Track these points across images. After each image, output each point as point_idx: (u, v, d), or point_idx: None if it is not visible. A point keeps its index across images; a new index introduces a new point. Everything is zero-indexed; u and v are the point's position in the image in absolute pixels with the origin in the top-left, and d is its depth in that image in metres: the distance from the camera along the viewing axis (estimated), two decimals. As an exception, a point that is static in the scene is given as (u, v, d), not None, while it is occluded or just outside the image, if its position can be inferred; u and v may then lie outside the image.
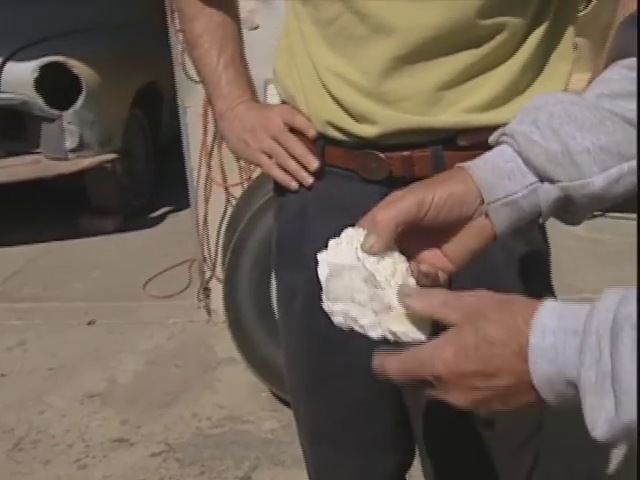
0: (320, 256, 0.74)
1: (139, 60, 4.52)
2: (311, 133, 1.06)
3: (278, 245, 1.15)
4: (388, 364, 0.67)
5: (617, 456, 2.12)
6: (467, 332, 0.63)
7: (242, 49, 1.24)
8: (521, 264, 1.00)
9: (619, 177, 0.77)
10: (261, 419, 2.46)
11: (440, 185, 0.76)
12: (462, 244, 0.78)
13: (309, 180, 1.08)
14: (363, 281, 0.70)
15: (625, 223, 3.20)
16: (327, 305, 0.73)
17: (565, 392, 0.61)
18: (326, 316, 1.08)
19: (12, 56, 4.00)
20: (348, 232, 0.74)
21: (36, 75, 3.90)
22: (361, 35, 0.98)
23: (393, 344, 0.69)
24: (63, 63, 3.93)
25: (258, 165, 1.17)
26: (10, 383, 2.77)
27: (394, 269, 0.71)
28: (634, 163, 0.77)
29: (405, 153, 0.99)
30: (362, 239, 0.71)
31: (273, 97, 2.89)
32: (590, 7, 3.45)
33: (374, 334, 0.70)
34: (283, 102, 1.14)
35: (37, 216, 4.44)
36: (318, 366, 1.12)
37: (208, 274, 3.27)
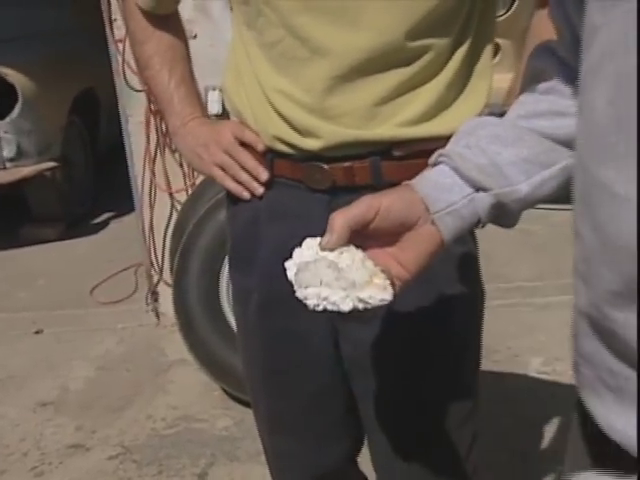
0: (287, 264, 0.82)
1: (76, 67, 4.54)
2: (260, 147, 1.13)
3: (233, 250, 1.22)
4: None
5: (549, 432, 2.27)
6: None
7: (191, 67, 1.31)
8: (455, 262, 1.09)
9: (542, 183, 0.88)
10: (214, 417, 2.51)
11: (388, 194, 0.87)
12: (415, 250, 0.87)
13: (260, 190, 1.15)
14: (327, 267, 0.79)
15: (554, 213, 3.35)
16: (300, 292, 0.80)
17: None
18: (280, 314, 1.16)
19: None
20: (307, 241, 0.82)
21: None
22: (302, 57, 1.06)
23: (363, 311, 0.78)
24: (0, 73, 3.96)
25: (212, 177, 1.25)
26: (-40, 395, 2.76)
27: (353, 258, 0.80)
28: (554, 170, 0.88)
29: (346, 164, 1.07)
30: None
31: (213, 104, 2.98)
32: (512, 10, 3.61)
33: (345, 307, 0.78)
34: (228, 113, 1.22)
35: None
36: (273, 360, 1.20)
37: (156, 278, 3.29)
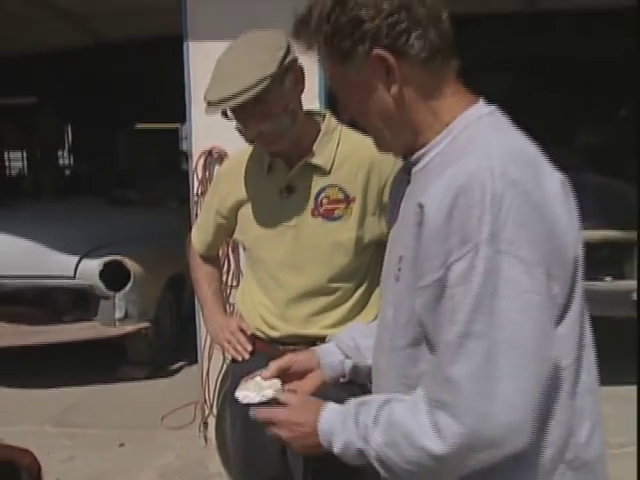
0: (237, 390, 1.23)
1: (171, 259, 4.67)
2: (248, 333, 1.71)
3: (231, 389, 1.74)
4: (260, 413, 1.12)
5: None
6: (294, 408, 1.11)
7: (221, 285, 1.92)
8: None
9: None
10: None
11: (301, 354, 1.31)
12: (312, 381, 1.26)
13: (246, 356, 1.70)
14: (253, 383, 1.20)
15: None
16: (237, 394, 1.17)
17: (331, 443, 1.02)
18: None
19: (85, 255, 4.44)
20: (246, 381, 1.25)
21: (100, 269, 4.35)
22: (272, 286, 1.65)
23: (265, 403, 1.14)
24: (120, 261, 4.39)
25: (222, 347, 1.79)
26: (62, 487, 3.11)
27: (271, 383, 1.20)
28: None
29: (291, 347, 1.61)
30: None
31: None
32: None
33: (257, 399, 1.14)
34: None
35: (87, 365, 4.61)
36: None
37: (207, 412, 3.59)
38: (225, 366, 3.33)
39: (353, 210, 1.60)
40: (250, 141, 1.70)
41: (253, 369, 1.30)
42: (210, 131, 3.48)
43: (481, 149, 0.94)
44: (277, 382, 1.22)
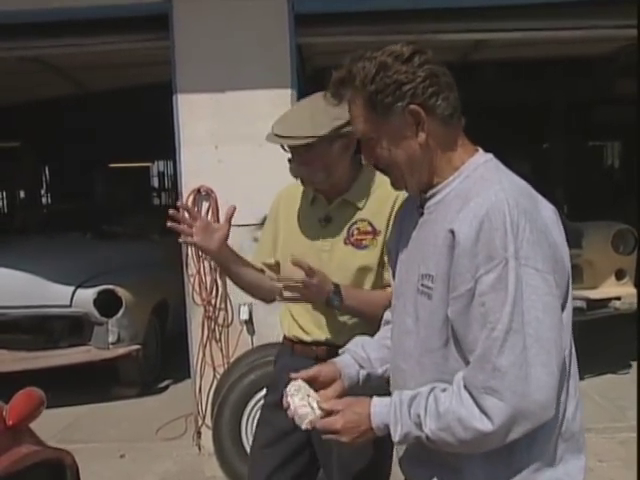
0: (288, 388, 1.30)
1: (157, 286, 4.93)
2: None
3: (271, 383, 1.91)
4: (319, 425, 1.19)
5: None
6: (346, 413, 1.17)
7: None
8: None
9: (386, 369, 1.32)
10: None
11: (326, 365, 1.37)
12: (335, 390, 1.33)
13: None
14: (303, 392, 1.27)
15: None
16: (290, 400, 1.24)
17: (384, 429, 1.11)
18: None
19: (81, 285, 4.49)
20: (294, 383, 1.31)
21: (94, 297, 4.41)
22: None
23: (316, 417, 1.19)
24: (112, 290, 4.45)
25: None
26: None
27: (312, 394, 1.27)
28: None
29: (323, 347, 1.76)
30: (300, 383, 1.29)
31: (243, 314, 3.63)
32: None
33: (309, 412, 1.20)
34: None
35: (82, 386, 4.59)
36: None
37: (200, 423, 3.68)
38: (215, 380, 3.60)
39: (378, 241, 1.76)
40: (294, 176, 1.87)
41: (292, 368, 1.45)
42: (198, 172, 3.70)
43: (496, 185, 1.10)
44: (313, 393, 1.28)
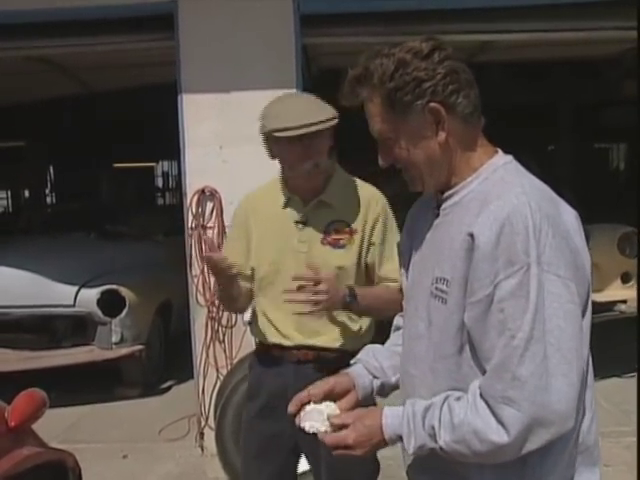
0: (300, 415, 1.21)
1: (160, 287, 4.91)
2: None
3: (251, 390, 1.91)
4: (331, 440, 1.13)
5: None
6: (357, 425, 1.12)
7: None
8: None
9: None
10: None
11: (340, 376, 1.29)
12: (350, 401, 1.26)
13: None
14: (316, 412, 1.18)
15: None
16: (302, 424, 1.17)
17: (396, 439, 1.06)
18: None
19: (84, 285, 4.50)
20: (307, 408, 1.22)
21: (98, 297, 4.41)
22: (286, 303, 1.73)
23: (324, 433, 1.15)
24: (116, 290, 4.45)
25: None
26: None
27: (327, 406, 1.20)
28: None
29: (303, 351, 1.78)
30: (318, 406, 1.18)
31: (246, 314, 3.58)
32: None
33: (322, 428, 1.15)
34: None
35: (85, 386, 4.58)
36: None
37: (203, 424, 3.68)
38: (218, 382, 3.58)
39: (355, 240, 1.81)
40: (288, 177, 1.84)
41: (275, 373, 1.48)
42: (202, 172, 3.69)
43: (517, 188, 1.06)
44: (332, 404, 1.23)
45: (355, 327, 1.84)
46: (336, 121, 1.71)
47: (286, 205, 1.85)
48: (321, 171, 1.78)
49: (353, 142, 3.66)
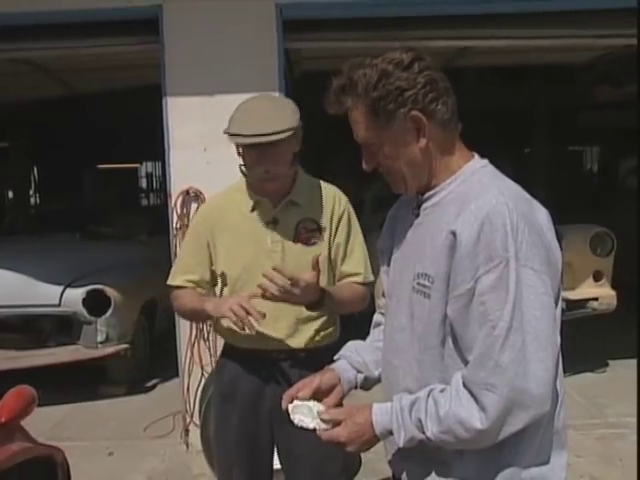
0: (289, 407, 1.25)
1: (145, 286, 4.81)
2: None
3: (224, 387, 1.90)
4: (325, 437, 1.17)
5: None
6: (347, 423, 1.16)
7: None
8: None
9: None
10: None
11: (324, 373, 1.33)
12: (336, 397, 1.31)
13: (255, 325, 1.62)
14: (306, 408, 1.21)
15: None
16: (292, 417, 1.21)
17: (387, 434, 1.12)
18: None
19: (69, 284, 4.48)
20: (295, 403, 1.25)
21: (84, 297, 4.40)
22: (261, 304, 1.69)
23: (314, 430, 1.18)
24: (101, 289, 4.44)
25: (230, 317, 1.64)
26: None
27: (317, 406, 1.23)
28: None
29: (282, 355, 1.78)
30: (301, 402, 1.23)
31: None
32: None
33: (312, 425, 1.18)
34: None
35: (70, 385, 4.54)
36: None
37: (188, 421, 3.70)
38: (203, 379, 3.57)
39: (324, 237, 1.84)
40: (253, 180, 1.85)
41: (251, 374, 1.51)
42: (187, 173, 3.71)
43: (494, 189, 1.13)
44: (317, 403, 1.26)
45: (325, 326, 1.86)
46: (293, 132, 1.74)
47: (254, 208, 1.87)
48: (271, 177, 1.80)
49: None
